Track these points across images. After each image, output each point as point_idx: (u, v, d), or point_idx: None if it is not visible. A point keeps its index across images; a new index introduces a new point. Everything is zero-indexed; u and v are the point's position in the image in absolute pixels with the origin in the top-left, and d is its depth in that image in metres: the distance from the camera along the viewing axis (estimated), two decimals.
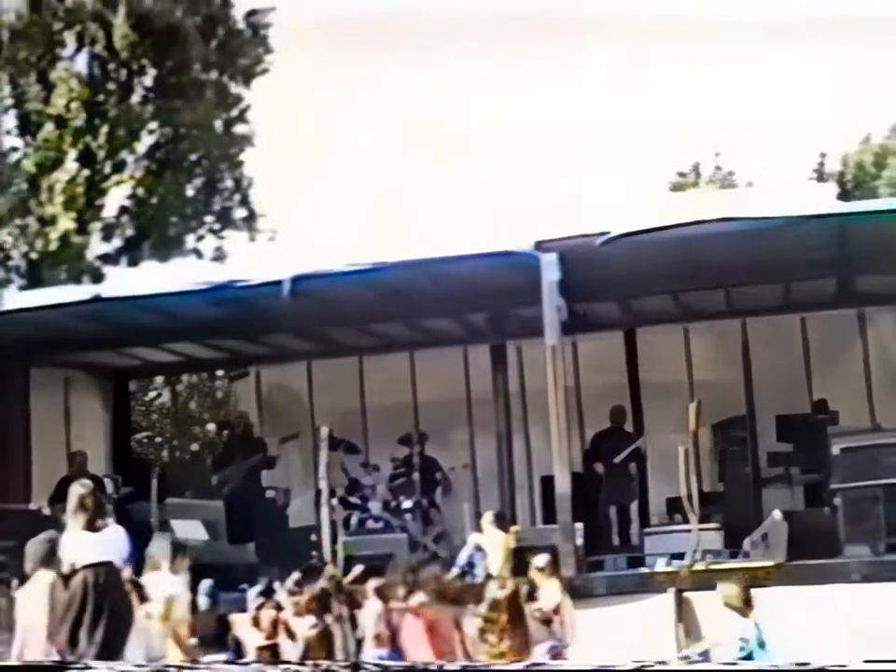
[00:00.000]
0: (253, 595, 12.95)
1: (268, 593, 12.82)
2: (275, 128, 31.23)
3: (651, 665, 5.31)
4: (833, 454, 14.60)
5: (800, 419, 16.65)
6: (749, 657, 11.33)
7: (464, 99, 42.65)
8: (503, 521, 14.39)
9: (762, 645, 11.41)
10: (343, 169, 39.94)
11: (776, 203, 14.15)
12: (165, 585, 12.09)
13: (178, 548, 12.10)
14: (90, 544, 11.20)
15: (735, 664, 4.39)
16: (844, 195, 29.67)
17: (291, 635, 12.16)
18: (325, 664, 5.10)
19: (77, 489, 11.48)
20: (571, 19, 32.85)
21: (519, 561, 13.85)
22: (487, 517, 14.39)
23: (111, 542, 11.35)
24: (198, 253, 28.61)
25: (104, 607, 10.87)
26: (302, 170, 35.57)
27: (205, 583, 12.53)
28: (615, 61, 37.38)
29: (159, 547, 12.24)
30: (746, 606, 11.71)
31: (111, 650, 10.49)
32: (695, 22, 32.52)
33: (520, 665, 5.53)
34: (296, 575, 13.03)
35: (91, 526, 11.25)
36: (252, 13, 29.15)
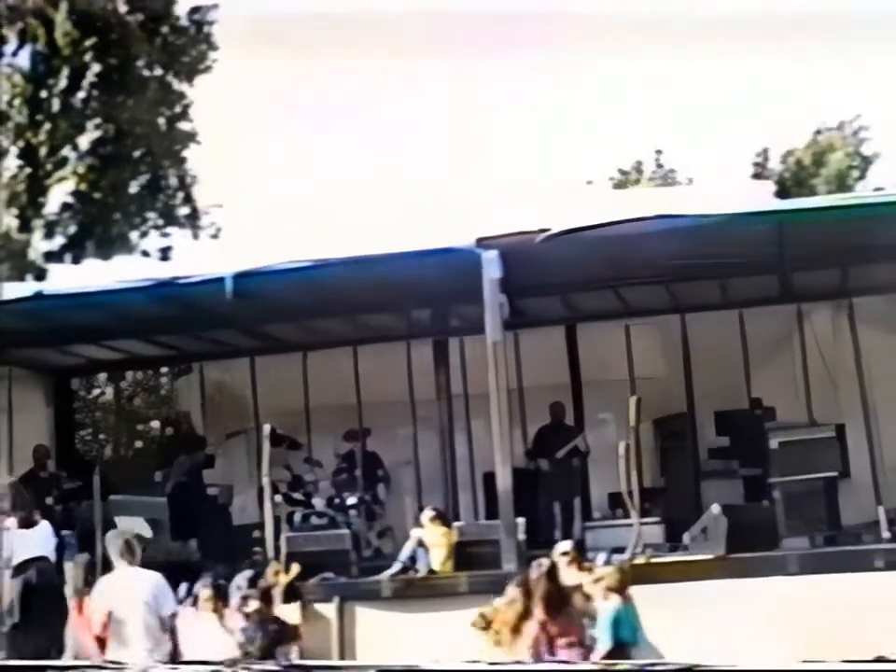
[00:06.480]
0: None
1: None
2: (217, 124, 31.17)
3: (653, 665, 5.39)
4: (771, 448, 14.81)
5: (738, 414, 16.85)
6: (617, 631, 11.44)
7: (406, 95, 42.70)
8: (443, 517, 14.48)
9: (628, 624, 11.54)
10: (283, 167, 39.88)
11: (715, 200, 14.26)
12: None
13: (131, 543, 12.05)
14: (23, 541, 11.27)
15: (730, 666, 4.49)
16: (783, 192, 29.92)
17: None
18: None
19: None
20: (511, 16, 32.97)
21: (461, 556, 13.98)
22: (427, 514, 14.47)
23: (41, 538, 11.43)
24: (145, 253, 28.55)
25: (41, 601, 10.93)
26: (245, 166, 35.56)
27: None
28: (557, 57, 37.52)
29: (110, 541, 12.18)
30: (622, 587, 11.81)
31: (49, 643, 10.54)
32: (637, 18, 32.73)
33: (522, 665, 5.59)
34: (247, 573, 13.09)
35: (24, 523, 11.33)
36: (195, 10, 29.10)
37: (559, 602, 11.49)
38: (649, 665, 5.58)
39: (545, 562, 11.77)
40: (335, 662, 12.57)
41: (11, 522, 11.60)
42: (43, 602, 11.11)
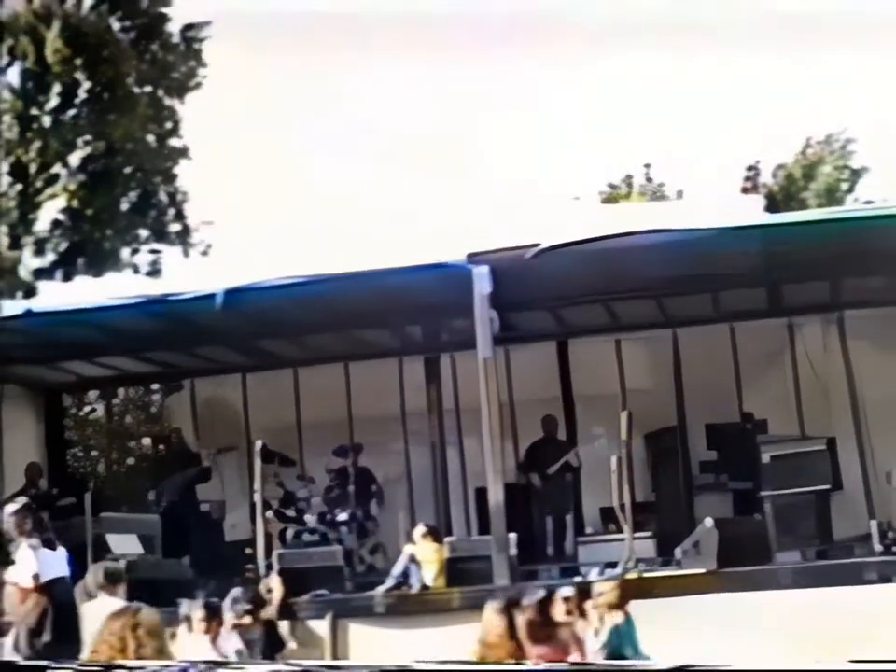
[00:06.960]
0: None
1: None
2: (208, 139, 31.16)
3: (646, 666, 5.40)
4: (762, 461, 14.78)
5: (729, 428, 16.85)
6: (618, 646, 11.38)
7: (397, 109, 42.72)
8: (435, 533, 14.45)
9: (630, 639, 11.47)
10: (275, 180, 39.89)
11: (705, 214, 14.27)
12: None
13: (113, 575, 11.96)
14: (49, 561, 11.27)
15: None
16: (773, 206, 29.97)
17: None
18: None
19: (10, 508, 11.56)
20: (502, 27, 33.03)
21: (453, 571, 13.95)
22: (419, 530, 14.45)
23: (63, 559, 11.45)
24: (135, 268, 28.52)
25: (67, 620, 10.93)
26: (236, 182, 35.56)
27: None
28: (546, 72, 37.60)
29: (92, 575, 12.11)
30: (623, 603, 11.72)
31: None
32: (627, 32, 32.79)
33: (521, 666, 5.56)
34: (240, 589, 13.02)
35: (47, 544, 11.35)
36: (189, 27, 29.10)
37: (544, 633, 11.40)
38: (642, 665, 5.58)
39: (541, 594, 11.68)
40: (330, 662, 12.54)
41: (36, 542, 11.59)
42: (68, 621, 11.09)
